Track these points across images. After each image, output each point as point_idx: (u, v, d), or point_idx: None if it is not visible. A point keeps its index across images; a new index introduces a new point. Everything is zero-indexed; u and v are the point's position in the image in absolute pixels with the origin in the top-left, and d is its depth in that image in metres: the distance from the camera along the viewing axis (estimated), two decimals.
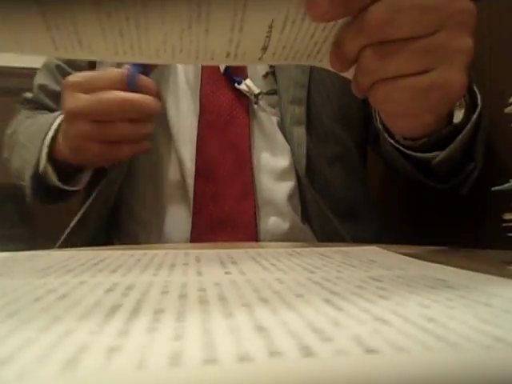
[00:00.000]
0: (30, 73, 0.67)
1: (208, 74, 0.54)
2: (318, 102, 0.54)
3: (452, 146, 0.41)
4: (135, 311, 0.14)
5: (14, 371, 0.09)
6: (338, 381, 0.09)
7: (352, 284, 0.18)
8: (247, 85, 0.52)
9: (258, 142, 0.53)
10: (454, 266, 0.23)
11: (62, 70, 0.62)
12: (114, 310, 0.14)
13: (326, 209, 0.52)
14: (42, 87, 0.64)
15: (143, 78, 0.45)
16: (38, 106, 0.64)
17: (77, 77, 0.46)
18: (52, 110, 0.61)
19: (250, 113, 0.53)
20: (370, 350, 0.10)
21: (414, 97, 0.30)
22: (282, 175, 0.53)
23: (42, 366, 0.09)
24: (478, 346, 0.11)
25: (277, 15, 0.27)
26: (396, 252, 0.29)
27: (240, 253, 0.30)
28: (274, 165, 0.53)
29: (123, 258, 0.27)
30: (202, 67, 0.54)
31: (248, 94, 0.52)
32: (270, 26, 0.28)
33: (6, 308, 0.15)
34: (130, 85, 0.44)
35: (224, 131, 0.52)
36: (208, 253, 0.29)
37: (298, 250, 0.31)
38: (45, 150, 0.50)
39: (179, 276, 0.21)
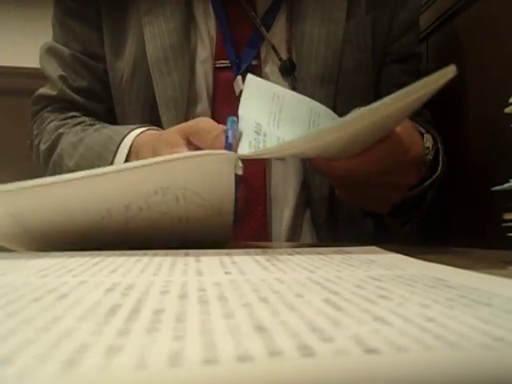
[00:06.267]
0: (31, 73, 0.66)
1: (222, 97, 0.54)
2: None
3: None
4: (135, 311, 0.14)
5: (13, 371, 0.09)
6: (337, 380, 0.09)
7: (352, 284, 0.18)
8: None
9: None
10: (454, 266, 0.23)
11: (80, 60, 0.58)
12: (113, 309, 0.14)
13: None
14: (65, 79, 0.58)
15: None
16: (66, 105, 0.59)
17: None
18: (81, 107, 0.58)
19: None
20: (369, 350, 0.10)
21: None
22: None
23: (41, 365, 0.09)
24: (477, 345, 0.11)
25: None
26: (396, 252, 0.29)
27: (240, 253, 0.29)
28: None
29: (123, 258, 0.27)
30: (216, 87, 0.55)
31: None
32: None
33: (6, 308, 0.15)
34: None
35: None
36: (208, 253, 0.29)
37: (298, 249, 0.31)
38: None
39: (179, 276, 0.21)
